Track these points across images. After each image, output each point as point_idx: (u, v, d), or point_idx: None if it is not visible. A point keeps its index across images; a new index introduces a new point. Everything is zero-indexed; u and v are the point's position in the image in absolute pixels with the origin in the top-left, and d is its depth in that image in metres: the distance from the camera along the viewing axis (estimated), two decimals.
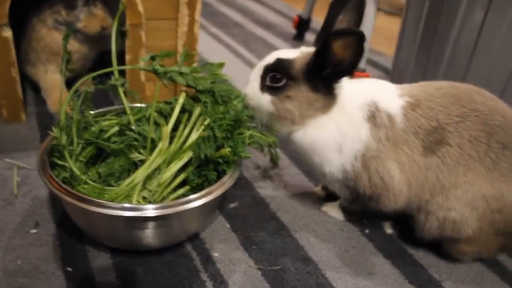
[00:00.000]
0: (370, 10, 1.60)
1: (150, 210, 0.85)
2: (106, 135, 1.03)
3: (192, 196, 0.89)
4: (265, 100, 0.96)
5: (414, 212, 0.98)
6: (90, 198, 0.86)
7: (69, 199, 0.86)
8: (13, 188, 1.11)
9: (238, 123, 0.97)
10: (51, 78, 1.47)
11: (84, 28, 1.40)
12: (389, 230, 1.09)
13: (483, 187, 0.90)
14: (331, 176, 0.99)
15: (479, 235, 0.93)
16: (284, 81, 0.94)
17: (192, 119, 0.98)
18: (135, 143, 1.01)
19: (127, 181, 0.94)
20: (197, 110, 0.98)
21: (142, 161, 0.97)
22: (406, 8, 1.64)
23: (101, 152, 1.04)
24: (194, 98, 1.03)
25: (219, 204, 1.10)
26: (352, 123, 0.94)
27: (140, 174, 0.93)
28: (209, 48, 2.10)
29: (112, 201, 0.89)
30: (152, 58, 1.01)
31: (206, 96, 1.00)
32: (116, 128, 1.04)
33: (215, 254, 0.98)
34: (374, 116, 0.94)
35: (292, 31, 2.33)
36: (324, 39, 0.87)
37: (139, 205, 0.87)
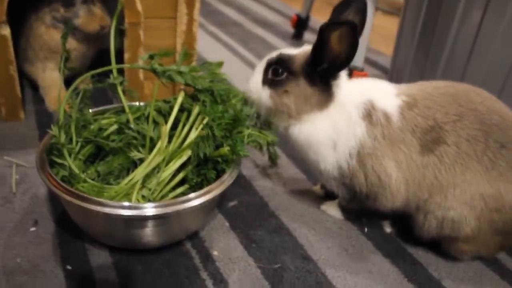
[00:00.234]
0: (368, 9, 1.60)
1: (149, 209, 0.85)
2: (105, 134, 1.03)
3: (191, 195, 0.89)
4: (264, 94, 0.97)
5: (413, 212, 0.99)
6: (89, 197, 0.85)
7: (68, 198, 0.85)
8: (12, 186, 1.11)
9: (237, 122, 0.97)
10: (49, 76, 1.46)
11: (83, 27, 1.40)
12: (388, 229, 1.09)
13: (481, 186, 0.91)
14: (327, 174, 1.00)
15: (477, 234, 0.94)
16: (284, 75, 0.95)
17: (191, 118, 0.98)
18: (134, 141, 1.01)
19: (126, 179, 0.94)
20: (196, 109, 0.98)
21: (141, 160, 0.97)
22: (404, 7, 1.65)
23: (100, 151, 1.04)
24: (193, 97, 1.03)
25: (218, 203, 1.10)
26: (347, 120, 0.95)
27: (139, 173, 0.93)
28: (207, 47, 2.10)
29: (111, 199, 0.89)
30: (151, 57, 1.01)
31: (205, 95, 1.00)
32: (115, 127, 1.04)
33: (215, 253, 0.98)
34: (370, 114, 0.94)
35: (291, 30, 2.33)
36: (320, 31, 0.87)
37: (138, 204, 0.87)
